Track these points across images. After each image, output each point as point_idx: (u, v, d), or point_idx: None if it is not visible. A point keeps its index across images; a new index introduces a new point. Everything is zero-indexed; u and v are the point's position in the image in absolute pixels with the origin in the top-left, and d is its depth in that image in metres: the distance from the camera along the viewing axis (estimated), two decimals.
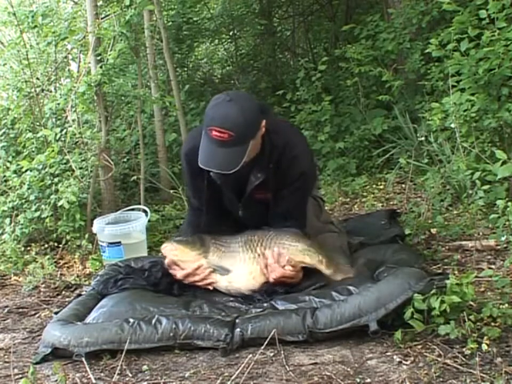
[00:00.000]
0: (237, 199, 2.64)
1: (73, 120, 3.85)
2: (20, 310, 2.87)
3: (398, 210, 3.54)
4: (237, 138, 2.35)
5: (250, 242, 2.55)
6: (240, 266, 2.54)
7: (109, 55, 3.73)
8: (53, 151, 3.61)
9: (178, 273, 2.58)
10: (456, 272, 2.52)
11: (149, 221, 3.44)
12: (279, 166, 2.54)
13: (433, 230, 3.17)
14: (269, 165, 2.53)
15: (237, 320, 2.21)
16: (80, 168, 3.71)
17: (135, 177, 4.18)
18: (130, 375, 2.04)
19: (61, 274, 3.30)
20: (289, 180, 2.53)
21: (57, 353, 2.20)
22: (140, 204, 3.83)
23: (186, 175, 2.74)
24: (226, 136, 2.34)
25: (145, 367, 2.08)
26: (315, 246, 2.54)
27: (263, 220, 2.61)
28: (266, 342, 2.08)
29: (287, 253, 2.48)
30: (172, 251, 2.60)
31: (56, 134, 3.75)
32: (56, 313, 2.49)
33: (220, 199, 2.67)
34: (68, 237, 3.53)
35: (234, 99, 2.41)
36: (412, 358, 1.97)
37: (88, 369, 2.08)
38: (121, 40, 3.83)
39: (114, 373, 2.04)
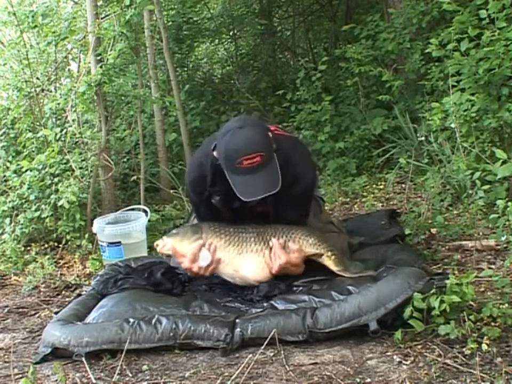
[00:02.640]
0: (237, 214, 2.62)
1: (73, 120, 3.86)
2: (20, 310, 2.87)
3: (398, 210, 3.55)
4: (267, 156, 2.36)
5: (263, 234, 2.53)
6: (251, 255, 2.51)
7: (109, 55, 3.74)
8: (53, 151, 3.62)
9: (183, 266, 2.56)
10: (456, 272, 2.53)
11: (149, 220, 3.45)
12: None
13: (433, 230, 3.17)
14: None
15: (237, 320, 2.21)
16: (80, 168, 3.71)
17: (135, 177, 4.18)
18: (130, 375, 2.04)
19: (61, 274, 3.30)
20: (291, 197, 2.51)
21: (57, 353, 2.20)
22: (140, 203, 3.83)
23: (192, 201, 2.81)
24: (258, 158, 2.33)
25: (145, 367, 2.08)
26: (327, 241, 2.55)
27: None
28: (266, 342, 2.08)
29: (298, 245, 2.48)
30: (164, 248, 2.59)
31: (56, 134, 3.76)
32: (56, 313, 2.50)
33: (220, 214, 2.65)
34: (68, 237, 3.54)
35: (243, 123, 2.42)
36: (412, 358, 1.97)
37: (88, 369, 2.08)
38: (121, 40, 3.83)
39: (114, 373, 2.04)
